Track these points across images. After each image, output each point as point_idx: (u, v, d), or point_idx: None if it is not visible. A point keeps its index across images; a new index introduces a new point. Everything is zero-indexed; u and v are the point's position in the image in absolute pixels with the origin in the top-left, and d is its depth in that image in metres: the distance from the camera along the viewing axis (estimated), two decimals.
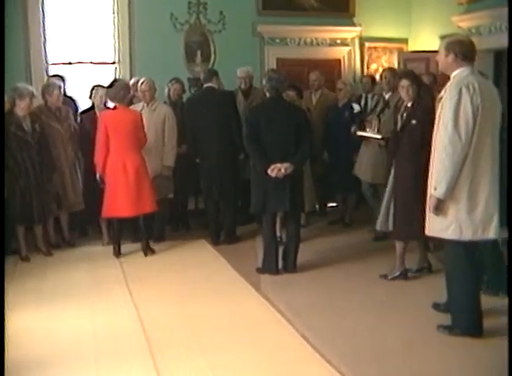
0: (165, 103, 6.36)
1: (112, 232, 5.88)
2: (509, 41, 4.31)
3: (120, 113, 5.56)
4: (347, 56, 8.14)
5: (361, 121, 6.04)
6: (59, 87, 5.90)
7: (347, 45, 8.12)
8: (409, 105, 4.68)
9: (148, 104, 6.03)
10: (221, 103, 6.01)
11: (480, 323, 3.67)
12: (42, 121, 5.69)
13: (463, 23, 7.01)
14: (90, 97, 6.20)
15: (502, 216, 3.59)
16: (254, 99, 6.50)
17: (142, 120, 5.64)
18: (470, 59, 3.57)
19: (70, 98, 6.62)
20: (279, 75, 5.23)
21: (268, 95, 5.18)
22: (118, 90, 5.57)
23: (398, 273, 4.82)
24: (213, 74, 6.18)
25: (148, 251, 5.73)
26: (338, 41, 8.08)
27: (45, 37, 7.05)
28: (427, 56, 7.08)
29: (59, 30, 7.15)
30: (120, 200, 5.51)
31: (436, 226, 3.66)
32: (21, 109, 5.46)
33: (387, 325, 3.96)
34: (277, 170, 4.85)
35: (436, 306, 4.13)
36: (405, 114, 4.70)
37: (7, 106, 5.50)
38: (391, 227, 4.79)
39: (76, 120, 6.26)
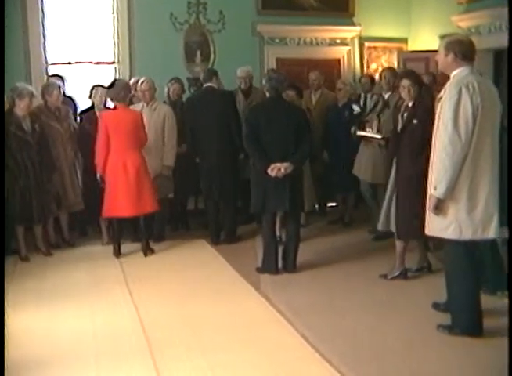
0: (165, 102, 6.36)
1: (112, 232, 5.88)
2: (509, 40, 4.30)
3: (120, 112, 5.56)
4: (346, 55, 8.14)
5: (360, 121, 6.04)
6: (59, 87, 5.90)
7: (346, 44, 8.12)
8: (410, 105, 4.68)
9: (148, 104, 6.03)
10: (221, 102, 6.01)
11: (480, 323, 3.67)
12: (42, 120, 5.69)
13: (463, 22, 7.01)
14: (90, 97, 6.20)
15: (502, 216, 3.59)
16: (253, 99, 6.50)
17: (142, 119, 5.64)
18: (470, 58, 3.57)
19: (70, 98, 6.62)
20: (279, 75, 5.23)
21: (267, 94, 5.18)
22: (119, 90, 5.57)
23: (397, 273, 4.82)
24: (212, 73, 6.18)
25: (148, 250, 5.73)
26: (338, 41, 8.09)
27: (44, 37, 7.05)
28: (426, 55, 7.08)
29: (59, 30, 7.15)
30: (121, 199, 5.50)
31: (436, 226, 3.66)
32: (21, 109, 5.46)
33: (386, 325, 3.97)
34: (277, 170, 4.85)
35: (436, 306, 4.13)
36: (405, 114, 4.69)
37: (7, 105, 5.51)
38: (392, 227, 4.79)
39: (75, 120, 6.27)
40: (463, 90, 3.44)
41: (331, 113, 6.62)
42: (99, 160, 5.55)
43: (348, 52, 8.14)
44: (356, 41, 8.14)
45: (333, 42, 8.07)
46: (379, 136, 5.64)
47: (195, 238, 6.26)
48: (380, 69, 7.62)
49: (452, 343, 3.62)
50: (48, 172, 5.64)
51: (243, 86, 6.62)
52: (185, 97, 6.55)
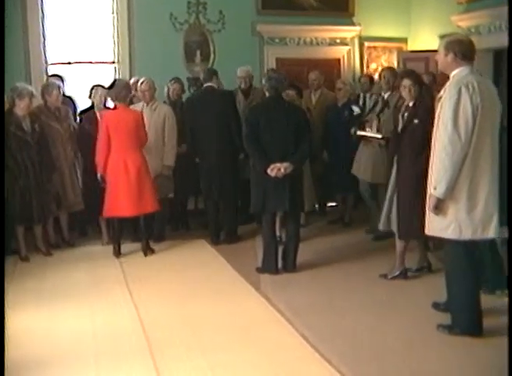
0: (165, 102, 6.36)
1: (112, 232, 5.88)
2: (509, 40, 4.31)
3: (121, 112, 5.56)
4: (346, 55, 8.14)
5: (360, 122, 6.03)
6: (59, 87, 5.90)
7: (346, 44, 8.12)
8: (411, 104, 4.68)
9: (148, 104, 6.03)
10: (221, 102, 6.01)
11: (480, 323, 3.67)
12: (42, 120, 5.69)
13: (463, 22, 7.01)
14: (90, 97, 6.20)
15: (502, 216, 3.60)
16: (253, 99, 6.50)
17: (143, 119, 5.65)
18: (470, 58, 3.57)
19: (69, 98, 6.62)
20: (279, 75, 5.24)
21: (267, 94, 5.18)
22: (120, 90, 5.57)
23: (397, 273, 4.82)
24: (212, 73, 6.18)
25: (148, 250, 5.73)
26: (338, 41, 8.09)
27: (44, 37, 7.05)
28: (426, 55, 7.08)
29: (59, 30, 7.15)
30: (122, 199, 5.50)
31: (436, 226, 3.66)
32: (21, 109, 5.46)
33: (386, 324, 3.96)
34: (277, 169, 4.85)
35: (436, 306, 4.13)
36: (406, 114, 4.69)
37: (7, 105, 5.51)
38: (393, 227, 4.78)
39: (75, 120, 6.26)
40: (463, 90, 3.44)
41: (331, 113, 6.62)
42: (99, 159, 5.55)
43: (348, 52, 8.14)
44: (356, 41, 8.15)
45: (332, 42, 8.07)
46: (379, 136, 5.64)
47: (195, 238, 6.26)
48: (379, 69, 7.62)
49: (452, 343, 3.62)
50: (48, 172, 5.64)
51: (243, 86, 6.62)
52: (185, 97, 6.55)
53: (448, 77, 3.64)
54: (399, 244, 4.77)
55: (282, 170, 4.85)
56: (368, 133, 5.83)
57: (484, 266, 4.25)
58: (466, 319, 3.67)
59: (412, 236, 4.69)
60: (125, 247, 5.82)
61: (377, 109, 5.94)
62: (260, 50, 7.77)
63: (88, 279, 5.07)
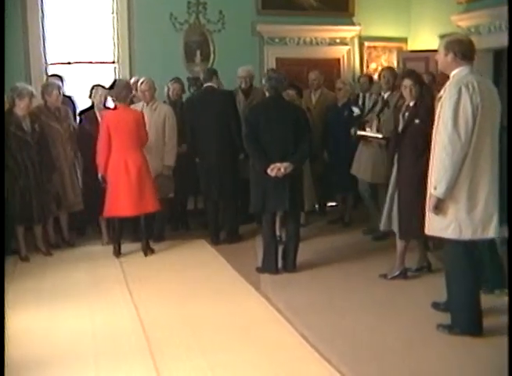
0: (165, 102, 6.36)
1: (112, 231, 5.88)
2: (509, 40, 4.31)
3: (121, 112, 5.56)
4: (346, 55, 8.14)
5: (360, 122, 6.03)
6: (59, 87, 5.89)
7: (346, 44, 8.12)
8: (411, 104, 4.68)
9: (148, 104, 6.03)
10: (221, 102, 6.01)
11: (480, 322, 3.67)
12: (42, 120, 5.69)
13: (463, 22, 7.01)
14: (90, 97, 6.20)
15: (502, 216, 3.60)
16: (254, 99, 6.49)
17: (143, 118, 5.65)
18: (470, 58, 3.57)
19: (69, 98, 6.62)
20: (279, 74, 5.24)
21: (267, 94, 5.18)
22: (120, 90, 5.57)
23: (397, 273, 4.82)
24: (212, 73, 6.18)
25: (148, 250, 5.73)
26: (337, 41, 8.09)
27: (44, 37, 7.05)
28: (426, 55, 7.08)
29: (59, 30, 7.15)
30: (122, 199, 5.50)
31: (436, 226, 3.66)
32: (21, 109, 5.46)
33: (386, 324, 3.96)
34: (277, 169, 4.85)
35: (436, 305, 4.13)
36: (406, 114, 4.69)
37: (7, 105, 5.51)
38: (394, 227, 4.78)
39: (75, 120, 6.26)
40: (463, 90, 3.44)
41: (331, 112, 6.62)
42: (100, 159, 5.55)
43: (348, 52, 8.14)
44: (356, 41, 8.15)
45: (332, 42, 8.07)
46: (379, 136, 5.63)
47: (195, 238, 6.26)
48: (379, 68, 7.61)
49: (452, 343, 3.63)
50: (48, 172, 5.64)
51: (243, 86, 6.61)
52: (185, 97, 6.55)
53: (448, 77, 3.64)
54: (400, 244, 4.77)
55: (282, 170, 4.85)
56: (368, 133, 5.83)
57: (484, 266, 4.25)
58: (466, 319, 3.67)
59: (412, 236, 4.69)
60: (125, 247, 5.82)
61: (377, 109, 5.94)
62: (260, 50, 7.77)
63: (88, 279, 5.07)
